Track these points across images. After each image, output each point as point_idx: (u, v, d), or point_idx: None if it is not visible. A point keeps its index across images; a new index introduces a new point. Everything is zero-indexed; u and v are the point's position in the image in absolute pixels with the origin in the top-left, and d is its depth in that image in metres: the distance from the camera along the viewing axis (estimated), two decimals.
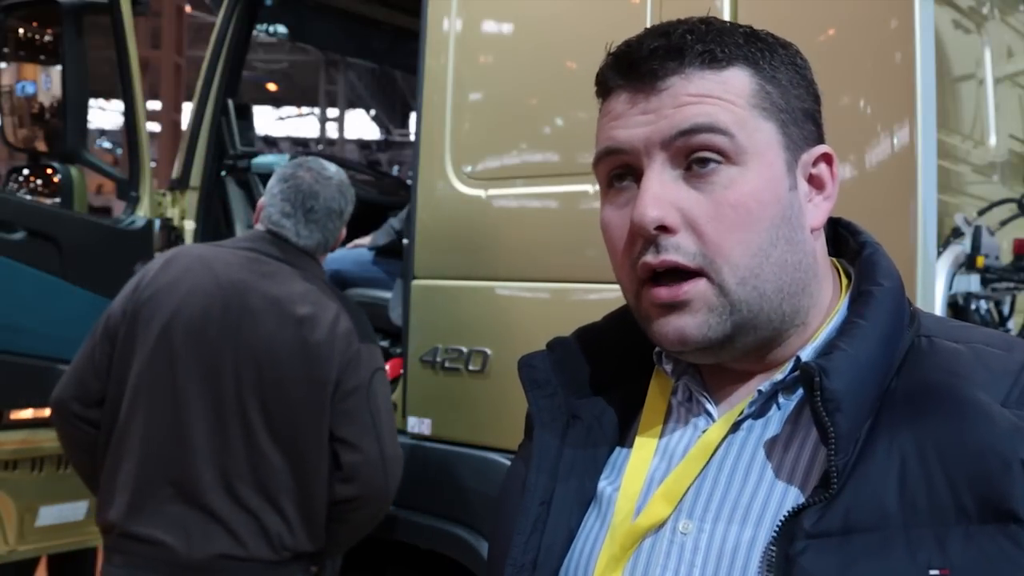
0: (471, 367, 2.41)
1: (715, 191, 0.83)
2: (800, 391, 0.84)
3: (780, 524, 0.79)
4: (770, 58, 0.87)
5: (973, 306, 2.09)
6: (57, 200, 3.03)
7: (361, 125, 23.34)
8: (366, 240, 3.49)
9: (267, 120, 22.85)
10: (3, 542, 2.86)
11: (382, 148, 21.76)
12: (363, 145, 22.46)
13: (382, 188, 4.01)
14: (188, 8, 18.52)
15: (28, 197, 3.04)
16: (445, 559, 2.40)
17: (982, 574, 0.73)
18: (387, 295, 3.00)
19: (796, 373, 0.85)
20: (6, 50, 3.06)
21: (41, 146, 3.08)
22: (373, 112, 22.16)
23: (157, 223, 3.16)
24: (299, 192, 2.31)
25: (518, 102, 2.45)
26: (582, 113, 2.28)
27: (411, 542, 2.48)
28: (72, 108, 2.96)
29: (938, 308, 1.93)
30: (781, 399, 0.87)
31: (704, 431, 0.89)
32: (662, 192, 0.83)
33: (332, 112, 22.83)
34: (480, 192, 2.45)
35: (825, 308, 0.90)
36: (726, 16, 1.93)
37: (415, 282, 2.56)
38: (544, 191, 2.36)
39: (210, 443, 2.13)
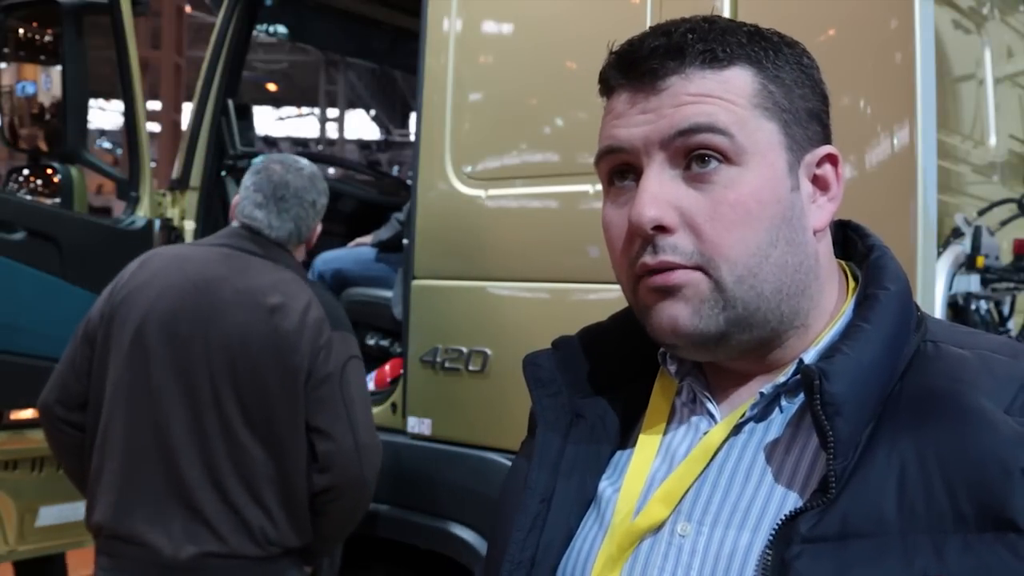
0: (471, 367, 2.41)
1: (714, 190, 0.83)
2: (803, 394, 0.84)
3: (776, 528, 0.79)
4: (774, 57, 0.86)
5: (973, 306, 2.09)
6: (57, 200, 3.03)
7: (361, 125, 23.34)
8: (367, 239, 3.49)
9: (267, 120, 22.85)
10: (3, 542, 2.86)
11: (382, 148, 21.75)
12: (363, 145, 22.46)
13: (382, 188, 4.02)
14: (188, 8, 18.51)
15: (28, 197, 3.04)
16: (445, 559, 2.40)
17: None
18: (389, 294, 3.01)
19: (798, 376, 0.84)
20: (6, 50, 3.06)
21: (41, 146, 3.08)
22: (373, 112, 22.16)
23: (157, 223, 3.16)
24: (270, 182, 2.32)
25: (518, 102, 2.45)
26: (582, 113, 2.28)
27: (411, 542, 2.48)
28: (72, 108, 2.96)
29: (938, 308, 1.93)
30: (784, 402, 0.87)
31: (706, 433, 0.89)
32: (660, 192, 0.83)
33: (332, 112, 22.83)
34: (480, 192, 2.45)
35: (829, 310, 0.89)
36: (726, 16, 1.92)
37: (415, 282, 2.56)
38: (544, 191, 2.36)
39: (189, 439, 2.13)
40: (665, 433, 0.93)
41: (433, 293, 2.53)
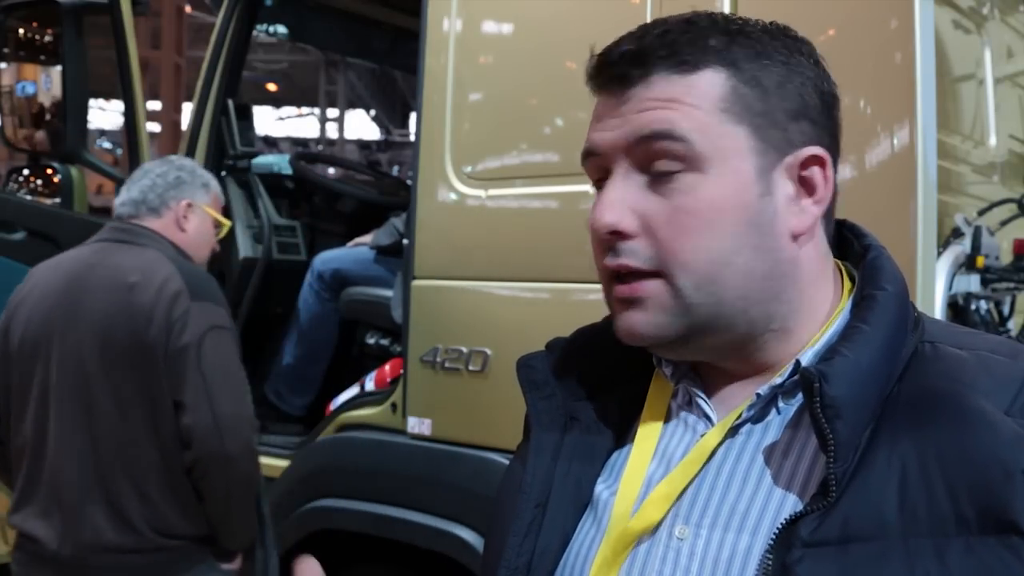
0: (471, 367, 2.41)
1: (675, 196, 0.83)
2: (800, 396, 0.83)
3: (777, 532, 0.78)
4: (755, 57, 0.84)
5: (973, 306, 2.09)
6: (57, 200, 3.03)
7: (361, 125, 23.35)
8: (367, 238, 3.49)
9: (267, 120, 22.86)
10: (3, 542, 2.86)
11: (382, 148, 21.76)
12: (363, 145, 22.47)
13: (382, 188, 4.01)
14: (188, 8, 18.52)
15: (28, 197, 3.04)
16: (445, 559, 2.40)
17: None
18: (388, 293, 3.00)
19: (795, 377, 0.84)
20: (6, 50, 3.06)
21: (41, 146, 3.08)
22: (373, 112, 22.17)
23: None
24: (135, 173, 2.41)
25: (518, 102, 2.45)
26: (582, 113, 2.27)
27: (410, 542, 2.48)
28: (72, 108, 2.96)
29: (938, 308, 1.93)
30: (781, 403, 0.86)
31: (703, 435, 0.88)
32: (621, 197, 0.84)
33: (332, 112, 22.84)
34: (480, 192, 2.45)
35: (820, 312, 0.88)
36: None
37: (415, 282, 2.56)
38: (544, 191, 2.36)
39: (70, 433, 2.15)
40: (661, 435, 0.92)
41: (433, 293, 2.53)
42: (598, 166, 0.88)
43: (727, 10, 1.96)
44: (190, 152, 3.30)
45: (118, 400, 2.14)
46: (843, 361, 0.80)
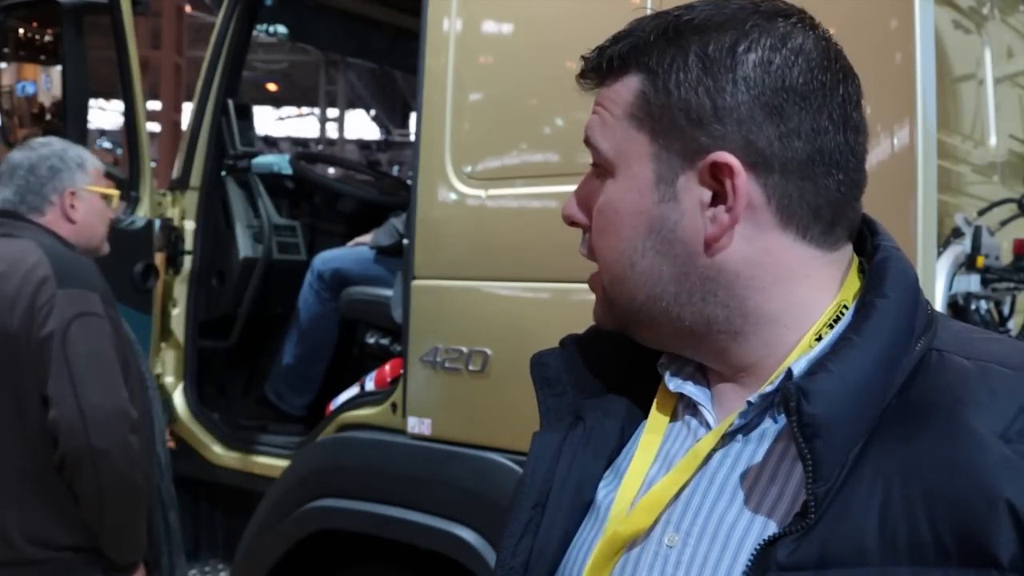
0: (471, 367, 2.41)
1: (598, 197, 0.89)
2: None
3: (755, 553, 0.76)
4: (672, 59, 0.82)
5: (973, 306, 2.09)
6: None
7: (361, 125, 23.33)
8: (367, 238, 3.49)
9: (267, 120, 22.84)
10: None
11: (382, 148, 21.74)
12: (363, 145, 22.45)
13: (382, 188, 4.01)
14: (188, 8, 18.50)
15: None
16: (445, 559, 2.40)
17: None
18: (388, 293, 3.00)
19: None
20: (6, 50, 3.06)
21: None
22: (373, 112, 22.15)
23: (157, 223, 3.16)
24: (5, 163, 2.31)
25: (518, 102, 2.45)
26: (582, 113, 2.27)
27: (410, 542, 2.48)
28: (72, 108, 2.96)
29: (938, 308, 1.93)
30: (777, 413, 0.83)
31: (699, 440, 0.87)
32: (579, 191, 0.92)
33: (332, 112, 22.82)
34: (480, 192, 2.45)
35: (808, 314, 0.84)
36: None
37: (415, 282, 2.55)
38: (544, 191, 2.36)
39: None
40: (665, 437, 0.91)
41: (433, 293, 2.53)
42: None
43: None
44: (190, 152, 3.30)
45: None
46: (826, 378, 0.76)
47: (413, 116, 2.89)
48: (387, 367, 2.91)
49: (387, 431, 2.61)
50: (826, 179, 0.83)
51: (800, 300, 0.85)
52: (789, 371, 0.81)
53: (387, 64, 5.56)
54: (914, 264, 1.81)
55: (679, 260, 0.84)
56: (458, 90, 2.50)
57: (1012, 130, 2.71)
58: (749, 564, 0.76)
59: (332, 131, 22.79)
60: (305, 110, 23.74)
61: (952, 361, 0.80)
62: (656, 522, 0.84)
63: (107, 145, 18.99)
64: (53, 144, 2.35)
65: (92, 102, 3.99)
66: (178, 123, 17.50)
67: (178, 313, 3.24)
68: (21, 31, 3.10)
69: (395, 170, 14.69)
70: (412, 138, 2.69)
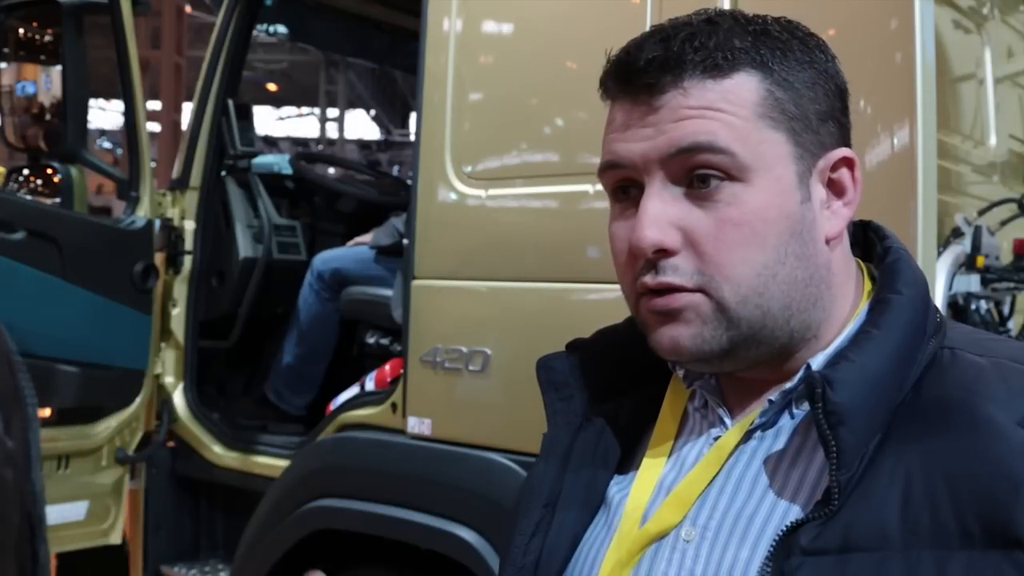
0: (471, 367, 2.41)
1: (718, 209, 0.80)
2: None
3: (777, 539, 0.77)
4: (782, 58, 0.82)
5: (973, 306, 2.09)
6: (57, 200, 3.03)
7: (361, 125, 23.33)
8: (367, 238, 3.49)
9: (267, 120, 22.84)
10: None
11: (382, 148, 21.74)
12: (363, 145, 22.45)
13: (382, 188, 4.01)
14: (188, 8, 18.50)
15: (28, 197, 3.04)
16: (444, 559, 2.40)
17: None
18: (388, 292, 3.00)
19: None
20: (6, 50, 3.06)
21: (41, 146, 3.08)
22: (373, 112, 22.16)
23: (157, 223, 3.16)
24: None
25: (518, 102, 2.45)
26: (582, 113, 2.28)
27: (411, 542, 2.48)
28: (72, 108, 2.96)
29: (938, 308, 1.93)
30: (795, 408, 0.85)
31: (717, 438, 0.87)
32: (661, 212, 0.81)
33: (332, 112, 22.81)
34: (480, 192, 2.44)
35: (842, 316, 0.87)
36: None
37: (415, 282, 2.55)
38: (544, 191, 2.36)
39: None
40: (676, 438, 0.91)
41: (433, 293, 2.53)
42: (622, 177, 0.85)
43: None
44: (190, 152, 3.30)
45: None
46: (849, 367, 0.78)
47: (413, 116, 2.89)
48: (387, 367, 2.91)
49: (387, 431, 2.61)
50: None
51: (848, 298, 0.87)
52: (808, 366, 0.83)
53: (387, 64, 5.55)
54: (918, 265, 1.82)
55: (811, 263, 0.83)
56: (458, 90, 2.50)
57: (1012, 130, 2.71)
58: (772, 549, 0.77)
59: (332, 131, 22.78)
60: (305, 110, 23.74)
61: (965, 358, 0.82)
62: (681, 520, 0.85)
63: (107, 145, 19.01)
64: None
65: (92, 102, 3.99)
66: (178, 123, 17.51)
67: (178, 313, 3.24)
68: (21, 31, 3.09)
69: (395, 170, 14.69)
70: (412, 138, 2.69)
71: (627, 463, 0.94)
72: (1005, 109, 2.67)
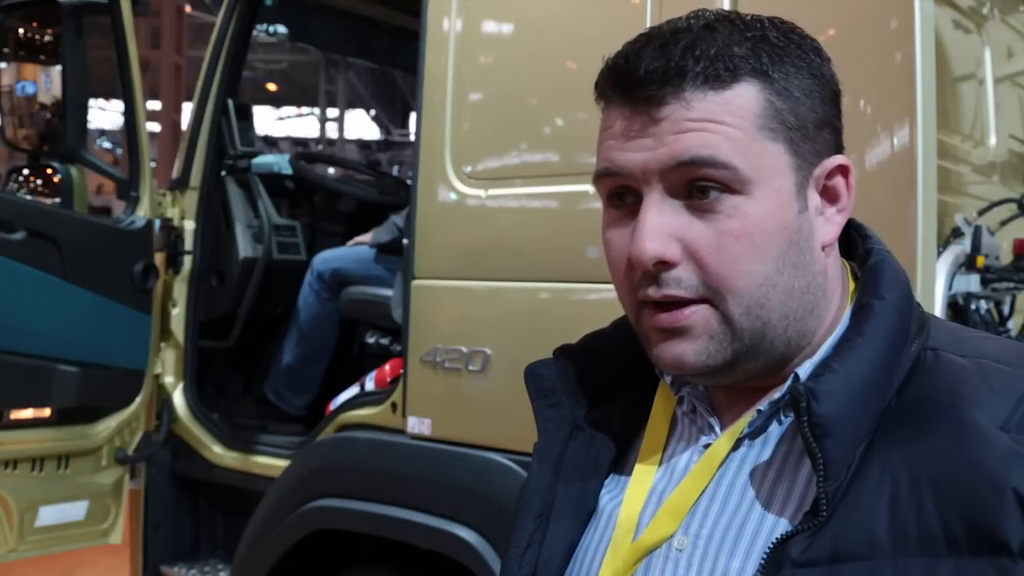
0: (471, 367, 2.41)
1: (718, 220, 0.80)
2: None
3: (768, 551, 0.77)
4: (780, 65, 0.81)
5: (973, 306, 2.09)
6: (57, 200, 3.03)
7: (361, 125, 23.33)
8: (366, 237, 3.49)
9: (267, 120, 22.84)
10: (3, 542, 2.86)
11: (382, 148, 21.74)
12: (363, 145, 22.46)
13: (382, 188, 4.01)
14: (188, 8, 18.50)
15: (28, 197, 3.04)
16: (444, 559, 2.40)
17: None
18: (388, 292, 3.00)
19: None
20: (6, 50, 3.06)
21: (41, 146, 3.08)
22: (373, 112, 22.16)
23: (157, 223, 3.16)
24: None
25: (518, 102, 2.45)
26: (582, 113, 2.28)
27: (411, 542, 2.48)
28: (72, 108, 2.96)
29: (938, 308, 1.93)
30: (782, 416, 0.85)
31: (707, 446, 0.87)
32: (661, 224, 0.80)
33: (332, 112, 22.82)
34: (480, 192, 2.44)
35: (830, 321, 0.87)
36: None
37: (415, 282, 2.55)
38: (544, 191, 2.36)
39: None
40: (666, 445, 0.91)
41: (433, 293, 2.53)
42: (618, 185, 0.84)
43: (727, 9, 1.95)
44: (190, 152, 3.30)
45: None
46: (833, 378, 0.78)
47: (413, 116, 2.89)
48: (387, 367, 2.91)
49: (387, 431, 2.61)
50: None
51: (835, 302, 0.87)
52: (796, 375, 0.83)
53: (387, 64, 5.55)
54: (914, 264, 1.81)
55: (807, 272, 0.83)
56: (458, 90, 2.50)
57: (1012, 130, 2.71)
58: (763, 562, 0.77)
59: (332, 131, 22.79)
60: (305, 110, 23.74)
61: (948, 359, 0.82)
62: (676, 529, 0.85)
63: (107, 145, 19.01)
64: None
65: (92, 102, 3.98)
66: (178, 123, 17.51)
67: (178, 313, 3.24)
68: (21, 31, 3.09)
69: (395, 170, 14.69)
70: (412, 138, 2.69)
71: (618, 469, 0.94)
72: (1005, 109, 2.67)
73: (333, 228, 3.85)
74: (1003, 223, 2.32)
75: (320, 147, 21.72)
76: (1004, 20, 2.69)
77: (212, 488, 3.31)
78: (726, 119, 0.79)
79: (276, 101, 22.93)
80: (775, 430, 0.85)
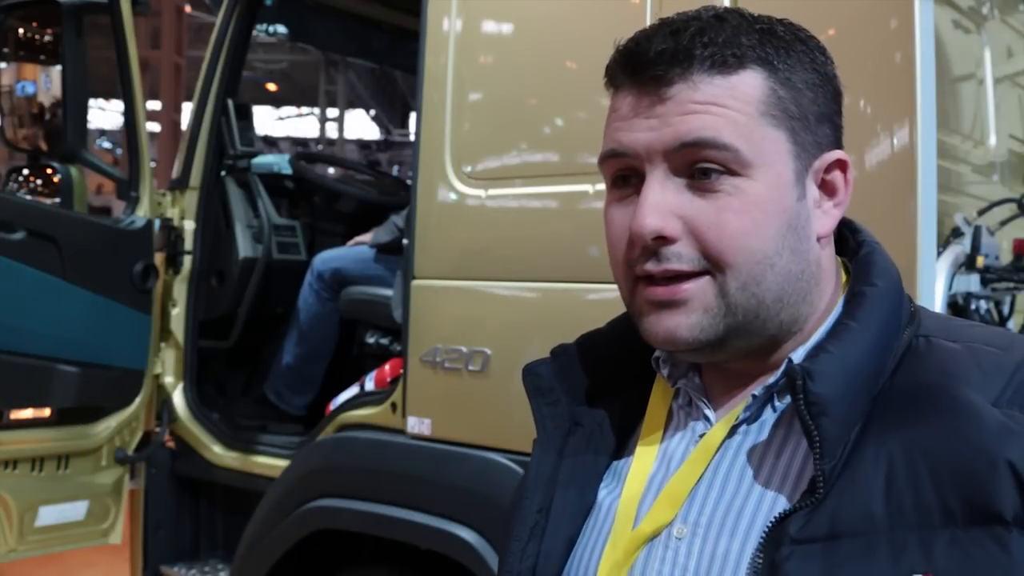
0: (471, 367, 2.41)
1: (719, 198, 0.82)
2: None
3: (766, 530, 0.79)
4: (786, 58, 0.84)
5: (973, 306, 2.09)
6: (57, 200, 3.03)
7: (361, 125, 23.33)
8: (367, 237, 3.49)
9: (267, 120, 22.84)
10: (3, 542, 2.86)
11: (382, 148, 21.74)
12: (363, 145, 22.45)
13: (382, 188, 4.01)
14: (188, 8, 18.50)
15: (28, 197, 3.04)
16: (444, 559, 2.40)
17: None
18: (388, 292, 3.00)
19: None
20: (6, 50, 3.06)
21: (41, 146, 3.08)
22: (373, 112, 22.16)
23: (157, 223, 3.16)
24: None
25: (518, 102, 2.45)
26: (582, 113, 2.28)
27: (411, 542, 2.48)
28: (72, 108, 2.96)
29: (938, 308, 1.93)
30: (776, 401, 0.87)
31: (702, 435, 0.89)
32: (662, 201, 0.82)
33: (332, 112, 22.82)
34: (480, 192, 2.45)
35: (822, 311, 0.89)
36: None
37: (415, 282, 2.55)
38: (544, 191, 2.36)
39: None
40: (663, 437, 0.93)
41: (433, 293, 2.53)
42: (623, 166, 0.86)
43: None
44: (190, 152, 3.30)
45: None
46: (828, 358, 0.80)
47: (413, 116, 2.89)
48: (387, 367, 2.91)
49: (387, 431, 2.61)
50: None
51: (828, 293, 0.90)
52: (789, 360, 0.85)
53: (387, 64, 5.55)
54: (914, 264, 1.82)
55: (803, 258, 0.85)
56: (458, 90, 2.50)
57: (1012, 130, 2.71)
58: (762, 540, 0.79)
59: (332, 131, 22.79)
60: (305, 110, 23.74)
61: (939, 344, 0.84)
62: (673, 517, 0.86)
63: (107, 145, 19.02)
64: None
65: (92, 102, 3.98)
66: (178, 123, 17.52)
67: (178, 313, 3.24)
68: (21, 31, 3.09)
69: (395, 170, 14.70)
70: (412, 138, 2.69)
71: (616, 464, 0.95)
72: (1005, 109, 2.67)
73: (333, 228, 3.85)
74: (1003, 223, 2.32)
75: (320, 147, 21.72)
76: (1004, 20, 2.70)
77: (212, 488, 3.31)
78: (730, 103, 0.82)
79: (276, 101, 22.93)
80: (770, 416, 0.87)
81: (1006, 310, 2.33)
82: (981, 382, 0.79)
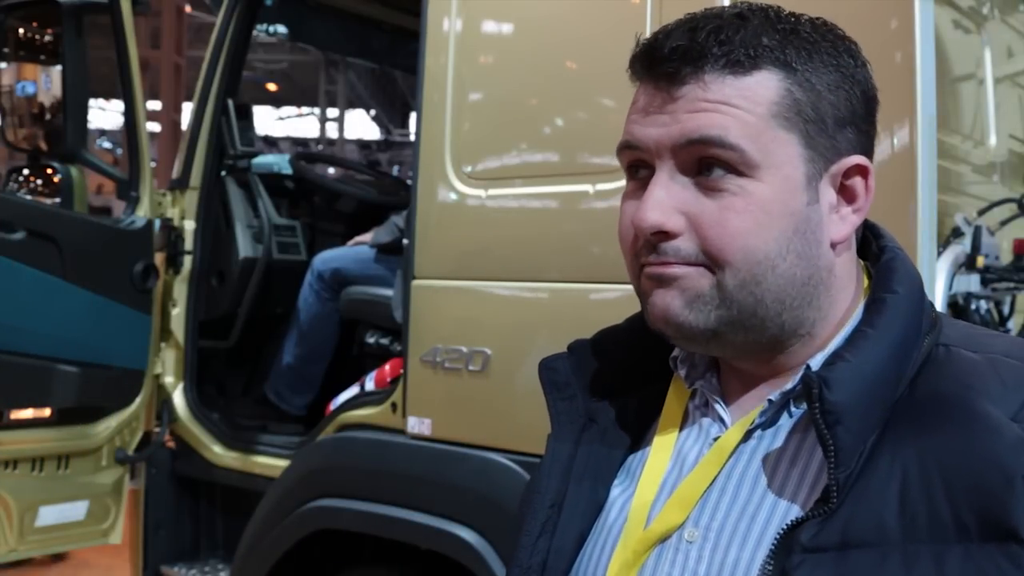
0: (471, 367, 2.41)
1: (723, 197, 0.82)
2: None
3: (778, 537, 0.78)
4: (807, 59, 0.83)
5: (973, 306, 2.09)
6: (57, 200, 3.03)
7: (361, 125, 23.33)
8: (367, 237, 3.49)
9: (267, 120, 22.84)
10: (3, 542, 2.86)
11: (382, 148, 21.73)
12: (363, 145, 22.44)
13: (382, 188, 4.01)
14: (188, 8, 18.50)
15: (28, 197, 3.04)
16: (445, 559, 2.40)
17: None
18: (388, 293, 3.00)
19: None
20: (6, 50, 3.06)
21: (41, 146, 3.08)
22: (373, 112, 22.15)
23: (157, 223, 3.16)
24: None
25: (518, 102, 2.45)
26: (582, 113, 2.28)
27: (411, 542, 2.48)
28: (72, 108, 2.96)
29: (938, 308, 1.93)
30: (793, 407, 0.86)
31: (716, 438, 0.88)
32: (666, 196, 0.83)
33: (332, 112, 22.81)
34: (480, 192, 2.45)
35: (841, 317, 0.88)
36: None
37: (415, 282, 2.55)
38: (544, 191, 2.36)
39: None
40: (678, 437, 0.92)
41: (433, 293, 2.53)
42: (636, 158, 0.87)
43: None
44: (190, 152, 3.30)
45: None
46: (845, 367, 0.79)
47: (413, 116, 2.89)
48: (387, 367, 2.91)
49: (387, 431, 2.61)
50: None
51: (847, 298, 0.89)
52: (808, 367, 0.84)
53: (387, 64, 5.55)
54: (914, 264, 1.82)
55: (811, 263, 0.84)
56: (458, 90, 2.50)
57: (1012, 130, 2.71)
58: (773, 547, 0.78)
59: (332, 131, 22.78)
60: (305, 110, 23.74)
61: (959, 354, 0.83)
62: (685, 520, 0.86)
63: (107, 145, 19.01)
64: None
65: (92, 102, 3.98)
66: (178, 123, 17.51)
67: (178, 313, 3.24)
68: (21, 31, 3.09)
69: (395, 170, 14.69)
70: (412, 138, 2.69)
71: (630, 462, 0.95)
72: (1005, 109, 2.67)
73: (333, 228, 3.85)
74: (1003, 223, 2.32)
75: (320, 147, 21.71)
76: (1004, 20, 2.70)
77: (212, 488, 3.31)
78: (740, 103, 0.81)
79: (276, 101, 22.93)
80: (785, 422, 0.86)
81: (1006, 310, 2.33)
82: (1001, 395, 0.77)
